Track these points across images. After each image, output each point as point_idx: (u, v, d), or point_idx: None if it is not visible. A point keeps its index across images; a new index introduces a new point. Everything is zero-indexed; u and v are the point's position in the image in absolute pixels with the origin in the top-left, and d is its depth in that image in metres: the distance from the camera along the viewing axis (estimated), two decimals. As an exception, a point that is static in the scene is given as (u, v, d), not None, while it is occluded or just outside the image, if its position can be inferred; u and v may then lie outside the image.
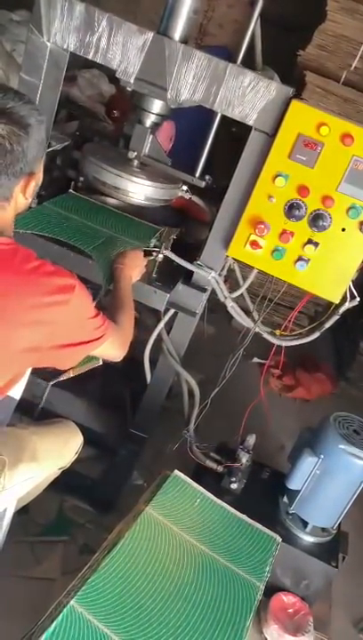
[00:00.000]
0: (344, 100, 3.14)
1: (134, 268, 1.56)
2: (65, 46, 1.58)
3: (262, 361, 2.97)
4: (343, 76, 3.16)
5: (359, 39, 3.13)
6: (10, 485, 1.28)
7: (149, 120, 1.71)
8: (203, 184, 1.81)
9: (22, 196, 1.14)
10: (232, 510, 1.57)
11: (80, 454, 1.55)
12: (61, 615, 1.08)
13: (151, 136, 1.75)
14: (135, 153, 1.77)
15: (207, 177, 1.79)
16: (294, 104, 1.48)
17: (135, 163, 1.80)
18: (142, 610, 1.16)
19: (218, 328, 3.10)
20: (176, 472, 1.61)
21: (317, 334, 1.81)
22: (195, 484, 1.59)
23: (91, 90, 4.16)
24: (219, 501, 1.58)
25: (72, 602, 1.11)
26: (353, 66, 3.14)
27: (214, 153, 1.82)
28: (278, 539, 1.55)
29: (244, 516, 1.56)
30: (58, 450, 1.42)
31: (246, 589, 1.32)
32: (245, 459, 1.75)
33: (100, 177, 1.76)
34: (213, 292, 1.83)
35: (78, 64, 3.98)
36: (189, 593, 1.25)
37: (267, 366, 2.09)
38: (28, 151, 1.09)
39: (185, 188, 1.85)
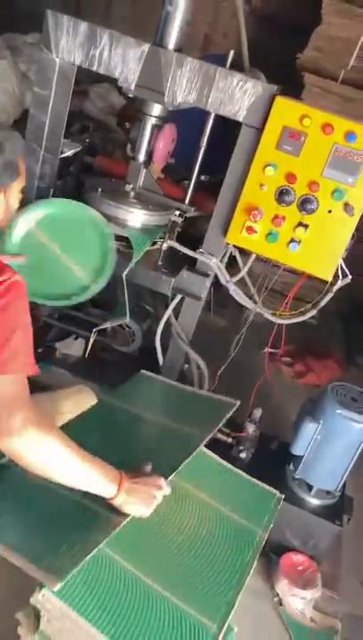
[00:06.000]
0: (343, 99, 3.28)
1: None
2: (72, 61, 1.77)
3: (274, 350, 3.11)
4: (341, 75, 3.30)
5: (355, 39, 3.28)
6: None
7: (151, 122, 1.88)
8: (192, 209, 1.99)
9: None
10: (237, 470, 1.70)
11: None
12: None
13: (145, 170, 1.97)
14: (131, 186, 1.98)
15: (203, 176, 1.96)
16: (278, 100, 1.64)
17: (131, 194, 2.00)
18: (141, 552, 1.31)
19: (232, 321, 3.25)
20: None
21: (313, 312, 1.95)
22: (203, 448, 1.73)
23: (102, 102, 4.38)
24: (224, 462, 1.72)
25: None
26: (350, 65, 3.28)
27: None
28: (278, 493, 1.67)
29: (245, 475, 1.70)
30: (74, 412, 1.58)
31: (246, 535, 1.44)
32: (251, 429, 1.89)
33: (101, 209, 1.93)
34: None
35: (90, 79, 4.21)
36: (188, 540, 1.39)
37: (270, 344, 2.22)
38: None
39: (177, 212, 2.01)
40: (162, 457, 1.47)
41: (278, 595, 1.79)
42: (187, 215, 2.00)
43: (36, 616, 1.27)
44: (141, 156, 1.94)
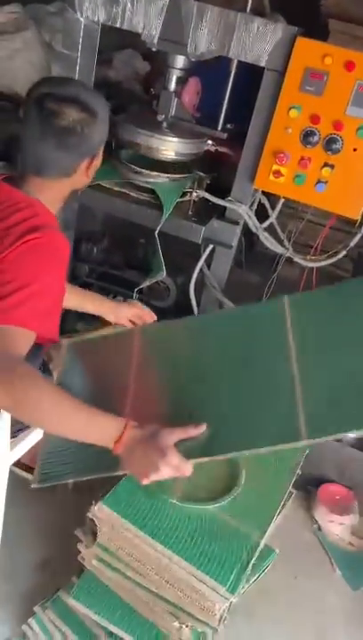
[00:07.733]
0: (369, 42, 3.21)
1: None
2: (96, 19, 1.82)
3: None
4: (368, 19, 3.23)
5: (379, -20, 3.19)
6: None
7: (175, 75, 1.93)
8: (225, 135, 2.02)
9: (84, 175, 1.35)
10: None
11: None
12: None
13: (176, 99, 1.99)
14: (163, 115, 2.01)
15: (228, 125, 1.99)
16: (300, 40, 1.66)
17: (164, 124, 2.04)
18: None
19: (264, 278, 3.30)
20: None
21: (343, 252, 1.99)
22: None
23: (126, 69, 4.40)
24: None
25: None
26: (376, 7, 3.20)
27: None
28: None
29: None
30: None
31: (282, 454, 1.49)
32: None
33: (134, 139, 2.00)
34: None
35: (112, 47, 4.23)
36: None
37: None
38: (95, 135, 1.30)
39: (210, 142, 2.05)
40: (231, 430, 1.10)
41: (317, 522, 1.90)
42: (217, 148, 2.05)
43: (93, 533, 1.41)
44: (172, 86, 1.97)
